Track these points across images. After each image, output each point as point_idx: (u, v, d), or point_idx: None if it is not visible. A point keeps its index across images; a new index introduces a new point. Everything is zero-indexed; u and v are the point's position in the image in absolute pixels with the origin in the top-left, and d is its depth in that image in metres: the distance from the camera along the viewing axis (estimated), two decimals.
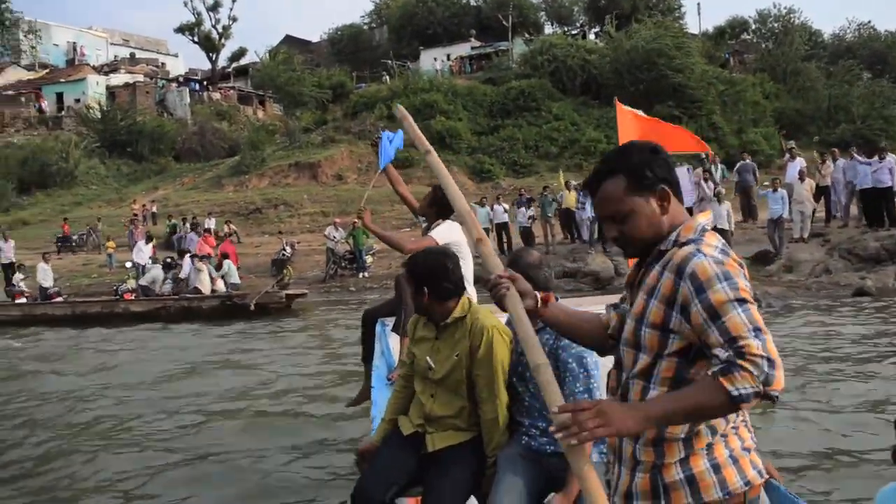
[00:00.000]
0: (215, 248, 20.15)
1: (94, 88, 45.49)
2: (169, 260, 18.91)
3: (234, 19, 51.84)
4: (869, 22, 49.12)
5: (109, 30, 63.64)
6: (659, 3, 47.66)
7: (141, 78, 48.74)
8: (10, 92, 46.04)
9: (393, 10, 55.10)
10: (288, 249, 20.99)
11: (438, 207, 4.53)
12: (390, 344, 4.66)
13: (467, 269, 4.32)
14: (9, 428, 7.27)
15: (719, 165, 19.44)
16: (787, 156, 18.21)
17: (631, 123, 6.39)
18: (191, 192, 34.22)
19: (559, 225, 20.55)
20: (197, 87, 49.96)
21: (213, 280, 17.08)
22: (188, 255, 18.21)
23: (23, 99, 45.13)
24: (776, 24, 43.48)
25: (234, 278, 17.75)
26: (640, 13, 42.62)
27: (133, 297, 16.93)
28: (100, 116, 40.92)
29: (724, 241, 1.92)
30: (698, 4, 72.31)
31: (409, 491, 3.18)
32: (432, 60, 46.69)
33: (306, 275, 20.19)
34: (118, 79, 48.48)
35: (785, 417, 6.22)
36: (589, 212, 17.62)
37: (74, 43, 57.29)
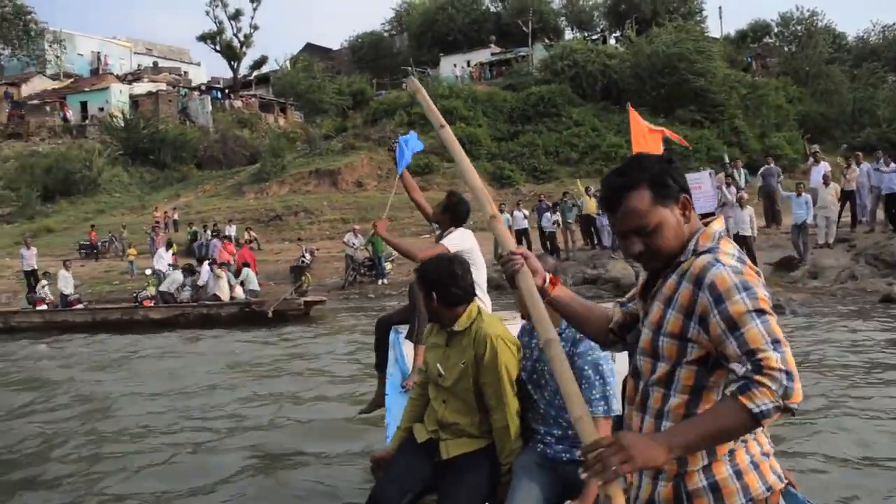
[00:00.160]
0: (234, 255, 20.22)
1: (118, 97, 46.02)
2: (188, 266, 18.98)
3: (256, 28, 52.13)
4: (893, 24, 48.44)
5: (133, 39, 64.51)
6: (680, 6, 47.47)
7: (164, 86, 49.25)
8: (35, 101, 46.74)
9: (413, 18, 55.34)
10: (307, 256, 21.01)
11: (452, 214, 4.54)
12: (404, 351, 4.66)
13: (480, 276, 4.35)
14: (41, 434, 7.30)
15: (742, 170, 19.23)
16: (811, 160, 17.98)
17: (642, 128, 6.57)
18: (212, 199, 34.46)
19: (580, 231, 20.43)
20: (219, 95, 50.41)
21: (231, 287, 17.11)
22: (206, 262, 18.27)
23: (48, 108, 45.77)
24: (799, 28, 43.10)
25: (254, 285, 17.78)
26: (660, 17, 42.40)
27: (152, 304, 17.02)
28: (123, 125, 41.38)
29: (738, 248, 1.91)
30: (720, 8, 72.27)
31: (423, 498, 3.19)
32: (452, 67, 46.78)
33: (325, 282, 20.20)
34: (141, 87, 49.02)
35: (819, 426, 6.13)
36: None
37: (99, 52, 58.10)
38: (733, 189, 16.30)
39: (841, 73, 37.79)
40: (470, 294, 3.23)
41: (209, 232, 24.92)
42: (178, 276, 18.06)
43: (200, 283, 17.37)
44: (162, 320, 15.85)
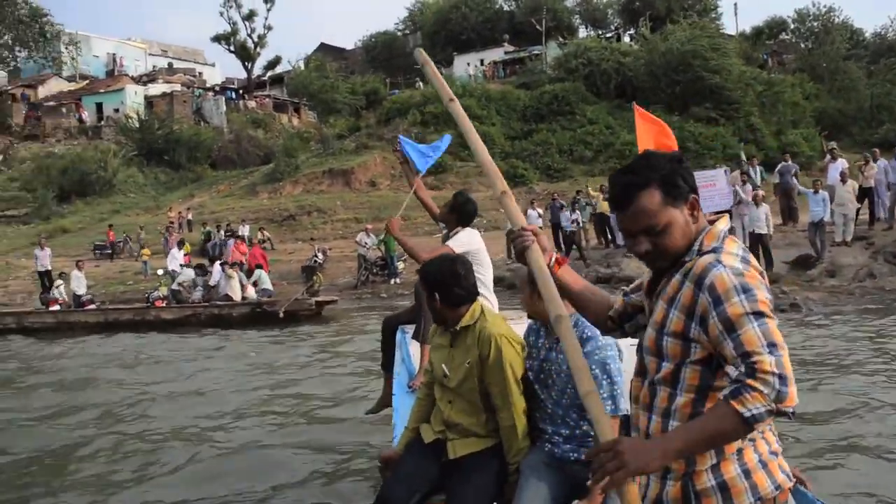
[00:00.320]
0: (245, 255, 20.23)
1: (133, 98, 46.38)
2: (200, 266, 18.99)
3: (270, 28, 52.34)
4: None
5: (148, 41, 65.02)
6: (695, 3, 47.10)
7: (178, 87, 49.57)
8: (51, 103, 47.19)
9: (427, 17, 55.31)
10: (319, 256, 21.00)
11: (459, 214, 4.52)
12: (411, 351, 4.66)
13: (486, 275, 4.36)
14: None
15: (758, 168, 19.04)
16: (828, 157, 17.80)
17: (647, 126, 6.59)
18: (226, 199, 34.62)
19: (593, 230, 20.30)
20: (233, 95, 50.69)
21: (243, 287, 17.10)
22: (218, 262, 18.27)
23: (63, 109, 46.21)
24: (816, 24, 42.61)
25: (267, 285, 17.76)
26: (675, 14, 42.05)
27: (164, 305, 17.04)
28: (138, 126, 41.68)
29: (744, 247, 1.91)
30: (735, 5, 71.75)
31: (431, 498, 3.19)
32: (466, 66, 46.73)
33: (338, 281, 20.19)
34: (156, 88, 49.38)
35: (844, 426, 6.07)
36: None
37: (114, 54, 58.58)
38: (749, 187, 16.13)
39: (858, 70, 37.37)
40: (473, 294, 3.21)
41: (223, 232, 25.00)
42: (189, 272, 18.10)
43: (212, 283, 17.38)
44: (174, 320, 15.88)
